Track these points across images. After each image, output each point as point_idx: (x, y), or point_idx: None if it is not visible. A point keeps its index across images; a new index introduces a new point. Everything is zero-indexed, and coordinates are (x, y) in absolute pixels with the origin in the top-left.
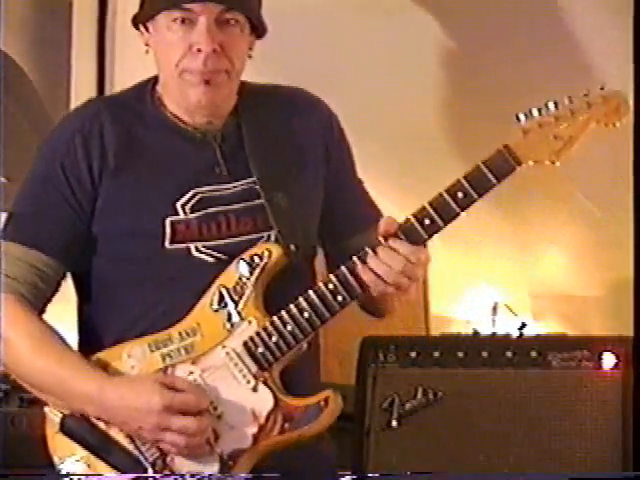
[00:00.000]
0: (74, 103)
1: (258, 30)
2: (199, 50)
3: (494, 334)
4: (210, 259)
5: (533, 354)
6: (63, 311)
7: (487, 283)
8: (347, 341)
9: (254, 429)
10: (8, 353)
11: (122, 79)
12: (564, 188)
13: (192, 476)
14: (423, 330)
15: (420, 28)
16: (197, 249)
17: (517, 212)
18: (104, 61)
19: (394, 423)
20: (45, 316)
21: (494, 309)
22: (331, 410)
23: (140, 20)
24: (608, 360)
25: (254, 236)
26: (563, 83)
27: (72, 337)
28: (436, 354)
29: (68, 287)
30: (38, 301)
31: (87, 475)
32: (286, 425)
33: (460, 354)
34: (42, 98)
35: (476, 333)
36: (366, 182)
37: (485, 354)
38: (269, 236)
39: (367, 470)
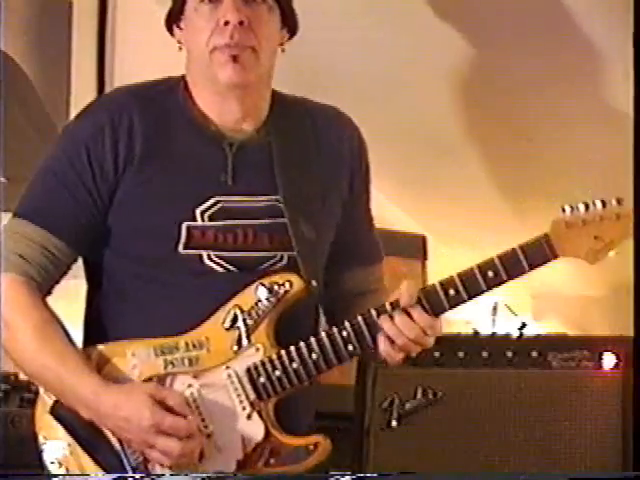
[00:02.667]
0: (74, 103)
1: (289, 21)
2: (226, 23)
3: (494, 334)
4: (220, 269)
5: (533, 354)
6: (68, 309)
7: None
8: None
9: (240, 456)
10: (11, 340)
11: (122, 79)
12: (564, 188)
13: (185, 475)
14: None
15: (435, 32)
16: (209, 257)
17: (517, 212)
18: (104, 61)
19: (394, 423)
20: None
21: (494, 309)
22: (318, 455)
23: (172, 20)
24: (608, 360)
25: (268, 253)
26: (565, 82)
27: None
28: (436, 354)
29: (71, 286)
30: (46, 283)
31: (83, 475)
32: (271, 460)
33: (460, 354)
34: (42, 98)
35: (476, 333)
36: (374, 184)
37: (485, 354)
38: (282, 256)
39: (367, 470)
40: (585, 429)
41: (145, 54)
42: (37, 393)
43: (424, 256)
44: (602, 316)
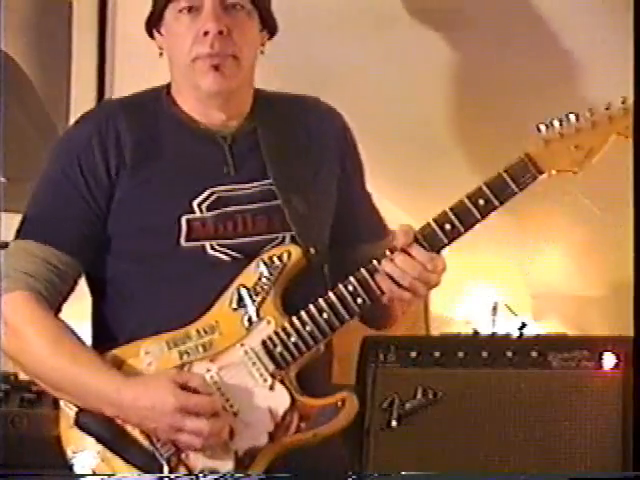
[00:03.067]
0: (74, 103)
1: (268, 24)
2: (206, 33)
3: (494, 334)
4: (225, 257)
5: (533, 354)
6: (77, 309)
7: (487, 283)
8: (347, 341)
9: (270, 427)
10: (25, 351)
11: (122, 79)
12: (564, 188)
13: (205, 476)
14: (423, 330)
15: (434, 32)
16: (212, 247)
17: (517, 212)
18: (104, 61)
19: (394, 423)
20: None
21: (494, 309)
22: (348, 411)
23: (152, 24)
24: (608, 360)
25: (270, 236)
26: (564, 83)
27: (85, 333)
28: (436, 354)
29: (79, 286)
30: (54, 298)
31: (90, 475)
32: (302, 425)
33: (460, 354)
34: (42, 98)
35: (476, 333)
36: (370, 183)
37: (485, 354)
38: (284, 237)
39: (367, 470)
40: (585, 429)
41: (145, 54)
42: (38, 393)
43: None
44: (602, 316)
